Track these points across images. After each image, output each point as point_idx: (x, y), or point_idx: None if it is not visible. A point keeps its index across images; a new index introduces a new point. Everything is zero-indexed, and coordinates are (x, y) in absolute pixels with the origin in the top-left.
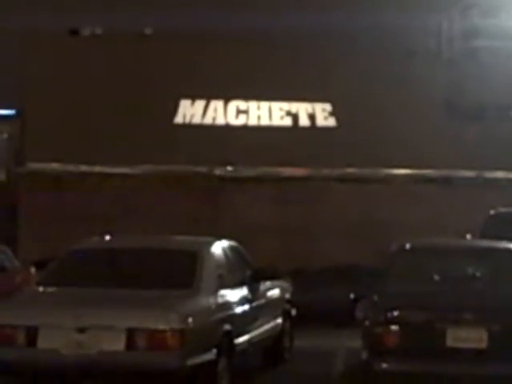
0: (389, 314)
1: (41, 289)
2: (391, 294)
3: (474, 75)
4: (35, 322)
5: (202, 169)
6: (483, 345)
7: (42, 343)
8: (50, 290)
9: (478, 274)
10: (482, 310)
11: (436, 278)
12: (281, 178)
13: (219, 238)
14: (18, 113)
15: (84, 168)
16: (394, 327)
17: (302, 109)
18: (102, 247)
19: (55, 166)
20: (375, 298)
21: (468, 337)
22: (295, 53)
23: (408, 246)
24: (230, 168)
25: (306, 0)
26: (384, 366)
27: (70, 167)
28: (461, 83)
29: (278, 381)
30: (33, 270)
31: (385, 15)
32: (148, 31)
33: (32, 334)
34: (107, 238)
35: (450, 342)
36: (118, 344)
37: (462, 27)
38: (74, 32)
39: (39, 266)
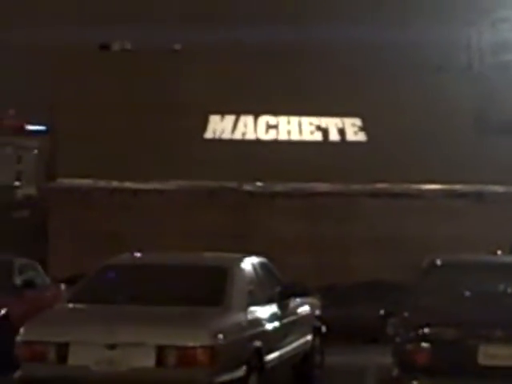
0: (420, 331)
1: (71, 305)
2: (422, 310)
3: (504, 89)
4: (66, 339)
5: (232, 184)
6: None
7: (73, 360)
8: (81, 306)
9: (509, 290)
10: None
11: (467, 294)
12: (310, 193)
13: (249, 253)
14: (48, 128)
15: (114, 184)
16: (425, 344)
17: (332, 123)
18: (132, 264)
19: (85, 181)
20: (406, 314)
21: (500, 354)
22: (325, 67)
23: (439, 261)
24: (259, 183)
25: (335, 13)
26: (415, 383)
27: (100, 183)
28: (491, 97)
29: None
30: (63, 286)
31: (414, 29)
32: (177, 46)
33: (62, 351)
34: (138, 254)
35: (481, 360)
36: (149, 361)
37: (491, 41)
38: (105, 47)
39: (69, 282)
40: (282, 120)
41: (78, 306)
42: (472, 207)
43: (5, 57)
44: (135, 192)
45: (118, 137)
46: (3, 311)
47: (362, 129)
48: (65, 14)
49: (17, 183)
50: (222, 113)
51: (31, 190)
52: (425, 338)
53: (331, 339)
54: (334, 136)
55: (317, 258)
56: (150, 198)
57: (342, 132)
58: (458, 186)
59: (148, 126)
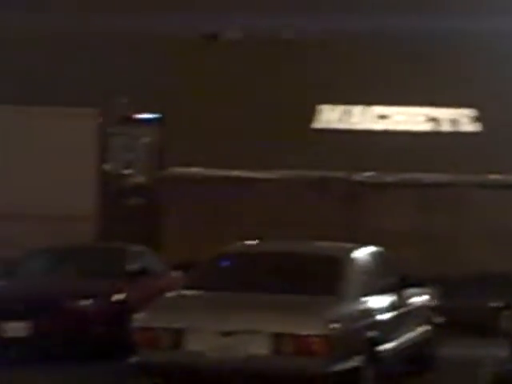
0: None
1: (187, 292)
2: None
3: None
4: (181, 325)
5: (341, 174)
6: None
7: (188, 346)
8: (196, 293)
9: None
10: None
11: None
12: (421, 184)
13: (361, 243)
14: (159, 117)
15: (223, 172)
16: None
17: (443, 114)
18: (246, 252)
19: (195, 170)
20: None
21: None
22: (435, 56)
23: None
24: (369, 173)
25: (439, 1)
26: None
27: (210, 171)
28: None
29: None
30: (176, 273)
31: None
32: (287, 36)
33: (178, 337)
34: (251, 242)
35: None
36: (263, 348)
37: None
38: (213, 36)
39: (183, 269)
40: (392, 110)
41: (194, 292)
42: None
43: (116, 45)
44: (245, 180)
45: (227, 126)
46: (122, 296)
47: (474, 119)
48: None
49: (127, 171)
50: (332, 102)
51: (142, 179)
52: None
53: (446, 331)
54: (444, 126)
55: (427, 249)
56: (259, 187)
57: (453, 122)
58: None
59: (257, 116)
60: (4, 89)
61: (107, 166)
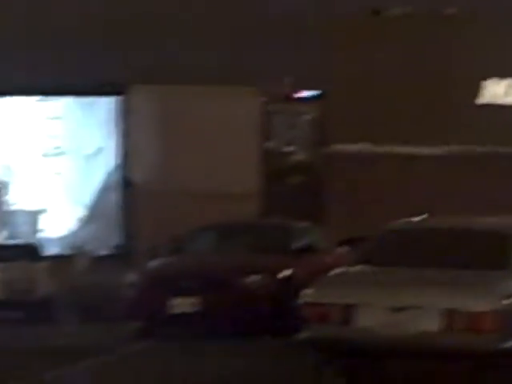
0: None
1: (356, 268)
2: None
3: None
4: (351, 301)
5: (505, 149)
6: None
7: (358, 322)
8: (365, 269)
9: None
10: None
11: None
12: None
13: None
14: (321, 94)
15: (388, 149)
16: None
17: None
18: (414, 227)
19: (359, 146)
20: None
21: None
22: None
23: None
24: None
25: None
26: None
27: (375, 148)
28: None
29: None
30: (344, 249)
31: None
32: (450, 11)
33: (347, 313)
34: (419, 218)
35: None
36: (434, 325)
37: None
38: (376, 12)
39: (348, 244)
40: None
41: (363, 268)
42: None
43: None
44: (409, 157)
45: (390, 103)
46: (288, 272)
47: None
48: None
49: (289, 148)
50: (500, 76)
51: (304, 156)
52: None
53: None
54: None
55: None
56: (425, 163)
57: None
58: None
59: (421, 92)
60: (160, 68)
61: (269, 144)
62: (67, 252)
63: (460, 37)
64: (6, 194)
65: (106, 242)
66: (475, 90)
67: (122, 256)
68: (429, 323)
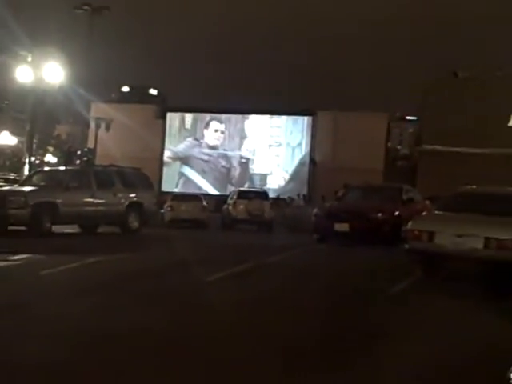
0: None
1: (436, 212)
2: None
3: None
4: (433, 229)
5: None
6: None
7: (436, 241)
8: (442, 213)
9: None
10: None
11: None
12: None
13: None
14: (417, 119)
15: (456, 149)
16: None
17: None
18: (472, 191)
19: (439, 147)
20: None
21: None
22: None
23: None
24: None
25: None
26: None
27: (442, 148)
28: None
29: None
30: (428, 202)
31: None
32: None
33: (431, 236)
34: (474, 186)
35: None
36: (479, 245)
37: None
38: (455, 74)
39: (432, 199)
40: None
41: (440, 213)
42: None
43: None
44: (465, 154)
45: (460, 128)
46: (397, 212)
47: None
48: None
49: (399, 147)
50: None
51: (407, 151)
52: None
53: None
54: None
55: None
56: (473, 159)
57: None
58: None
59: (477, 121)
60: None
61: (390, 144)
62: (281, 196)
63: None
64: (251, 164)
65: (300, 192)
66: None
67: (308, 200)
68: (476, 244)
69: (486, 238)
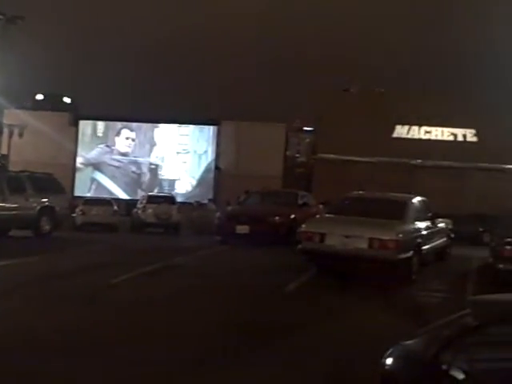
0: (505, 239)
1: (327, 215)
2: (506, 229)
3: None
4: (324, 231)
5: (406, 160)
6: None
7: (326, 241)
8: (332, 216)
9: None
10: None
11: None
12: (444, 166)
13: (415, 195)
14: (314, 129)
15: (345, 157)
16: (507, 246)
17: (459, 132)
18: (357, 196)
19: (331, 156)
20: (498, 230)
21: None
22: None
23: None
24: (419, 160)
25: None
26: (501, 266)
27: (339, 157)
28: None
29: (443, 269)
30: (321, 206)
31: None
32: (378, 90)
33: (322, 237)
34: (359, 192)
35: None
36: (364, 245)
37: None
38: (347, 90)
39: (325, 204)
40: (433, 129)
41: (330, 216)
42: None
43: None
44: (355, 162)
45: (349, 137)
46: (293, 216)
47: (474, 135)
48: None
49: (297, 155)
50: (402, 124)
51: (304, 159)
52: (508, 243)
53: (455, 242)
54: (459, 138)
55: (445, 199)
56: (364, 166)
57: (464, 136)
58: None
59: (365, 132)
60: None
61: (288, 152)
62: (187, 201)
63: (387, 106)
64: (160, 170)
65: (205, 197)
66: (391, 130)
67: (217, 203)
68: (361, 244)
69: (370, 239)
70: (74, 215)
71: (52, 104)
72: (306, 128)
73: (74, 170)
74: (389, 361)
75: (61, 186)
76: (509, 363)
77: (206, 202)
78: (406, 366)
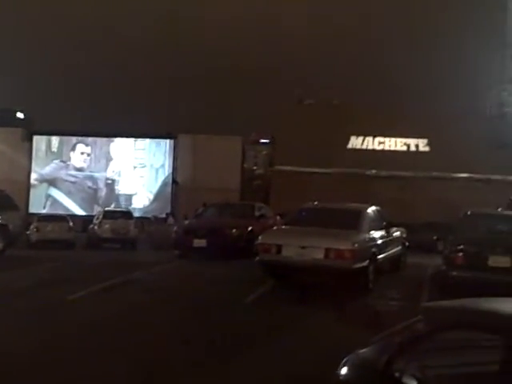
0: (458, 247)
1: (284, 227)
2: (459, 237)
3: None
4: (281, 242)
5: (361, 171)
6: (508, 265)
7: (284, 253)
8: (288, 227)
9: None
10: (509, 246)
11: (482, 230)
12: (400, 176)
13: (369, 205)
14: (271, 141)
15: (303, 169)
16: (460, 254)
17: (412, 142)
18: (313, 207)
19: (289, 167)
20: (451, 238)
21: (501, 261)
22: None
23: (469, 212)
24: (374, 171)
25: None
26: (454, 273)
27: (296, 168)
28: None
29: (399, 277)
30: (279, 217)
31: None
32: (336, 102)
33: (279, 248)
34: (315, 203)
35: (490, 263)
36: (321, 255)
37: None
38: (300, 101)
39: (282, 215)
40: (386, 139)
41: (287, 227)
42: None
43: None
44: (313, 173)
45: (305, 148)
46: (250, 228)
47: (427, 144)
48: None
49: (254, 167)
50: (357, 135)
51: (262, 171)
52: (460, 250)
53: (410, 250)
54: (412, 148)
55: (400, 208)
56: (321, 177)
57: (416, 146)
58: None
59: (321, 144)
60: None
61: (245, 165)
62: (145, 215)
63: (342, 118)
64: (117, 185)
65: (163, 211)
66: (346, 141)
67: (171, 217)
68: (318, 254)
69: (326, 249)
70: (28, 232)
71: (5, 119)
72: (262, 140)
73: (28, 186)
74: (343, 370)
75: (14, 203)
76: (460, 369)
77: (163, 216)
78: (360, 374)
